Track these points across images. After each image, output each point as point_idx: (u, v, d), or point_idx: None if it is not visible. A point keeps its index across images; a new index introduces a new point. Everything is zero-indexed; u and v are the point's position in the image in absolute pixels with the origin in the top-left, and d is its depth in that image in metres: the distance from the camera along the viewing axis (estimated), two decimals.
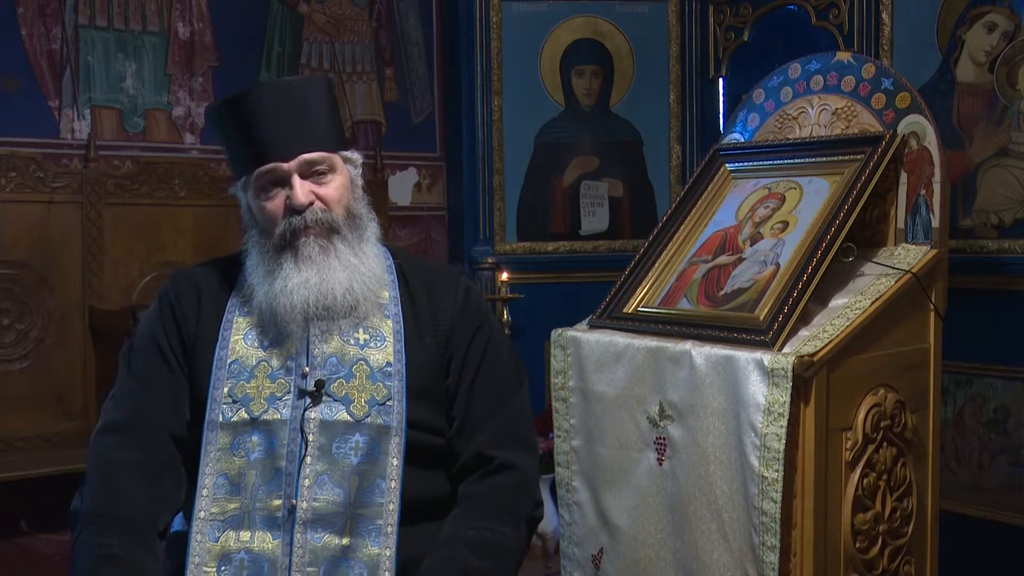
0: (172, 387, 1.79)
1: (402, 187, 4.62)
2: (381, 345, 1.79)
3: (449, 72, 4.60)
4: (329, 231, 1.77)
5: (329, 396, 1.74)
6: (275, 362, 1.77)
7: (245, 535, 1.70)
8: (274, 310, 1.75)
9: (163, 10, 4.03)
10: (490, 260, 4.30)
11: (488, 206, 4.39)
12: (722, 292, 2.51)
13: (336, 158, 1.81)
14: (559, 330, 2.69)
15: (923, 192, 2.48)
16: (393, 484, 1.72)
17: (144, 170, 3.90)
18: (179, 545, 1.75)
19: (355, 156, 1.87)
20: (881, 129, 2.56)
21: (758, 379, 2.19)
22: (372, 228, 1.86)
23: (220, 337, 1.79)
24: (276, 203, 1.76)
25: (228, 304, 1.83)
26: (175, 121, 4.08)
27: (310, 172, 1.77)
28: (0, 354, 3.62)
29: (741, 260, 2.56)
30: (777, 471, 2.16)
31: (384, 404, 1.75)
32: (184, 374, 1.80)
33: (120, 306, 3.71)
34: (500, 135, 4.36)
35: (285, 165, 1.75)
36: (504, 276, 4.19)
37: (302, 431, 1.72)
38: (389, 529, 1.71)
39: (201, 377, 1.78)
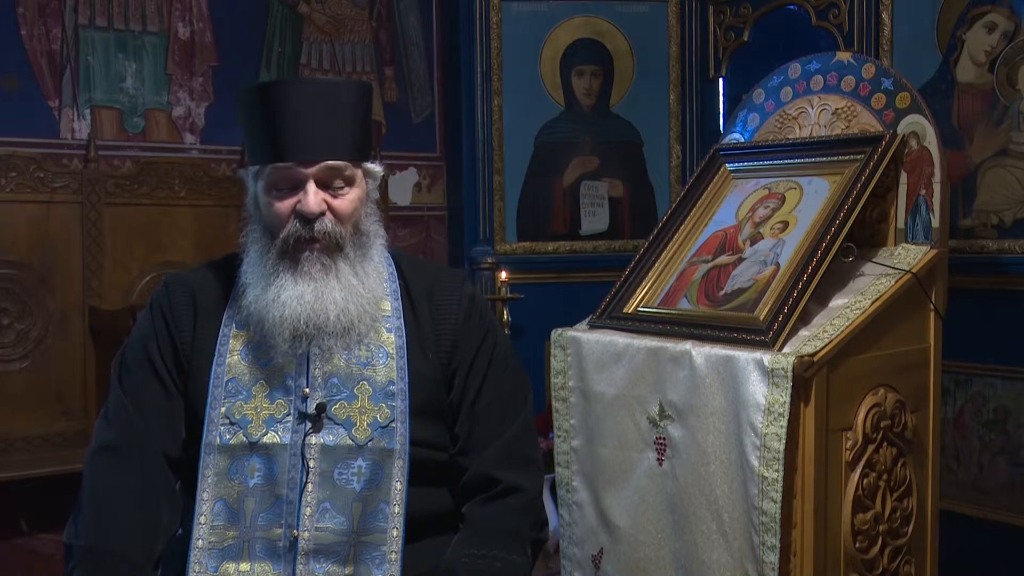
0: (166, 406, 1.73)
1: (402, 187, 4.63)
2: (383, 362, 1.73)
3: (449, 72, 4.60)
4: (334, 247, 1.69)
5: (330, 420, 1.69)
6: (273, 381, 1.71)
7: (245, 566, 1.66)
8: (262, 318, 1.68)
9: (163, 10, 4.03)
10: (490, 260, 4.30)
11: (488, 206, 4.38)
12: (722, 292, 2.51)
13: (358, 171, 1.72)
14: (559, 330, 2.69)
15: (923, 192, 2.48)
16: (397, 509, 1.68)
17: (144, 170, 3.91)
18: (179, 552, 1.70)
19: (377, 169, 1.78)
20: (881, 129, 2.56)
21: (758, 379, 2.19)
22: (378, 245, 1.78)
23: (217, 352, 1.73)
24: (285, 204, 1.68)
25: (224, 316, 1.76)
26: (175, 121, 4.08)
27: (328, 181, 1.68)
28: (0, 354, 3.62)
29: (741, 260, 2.56)
30: (777, 471, 2.15)
31: (387, 427, 1.70)
32: (179, 391, 1.74)
33: (120, 306, 3.71)
34: (500, 135, 4.36)
35: (305, 170, 1.66)
36: (504, 276, 4.19)
37: (303, 457, 1.67)
38: (393, 556, 1.67)
39: (198, 395, 1.72)
